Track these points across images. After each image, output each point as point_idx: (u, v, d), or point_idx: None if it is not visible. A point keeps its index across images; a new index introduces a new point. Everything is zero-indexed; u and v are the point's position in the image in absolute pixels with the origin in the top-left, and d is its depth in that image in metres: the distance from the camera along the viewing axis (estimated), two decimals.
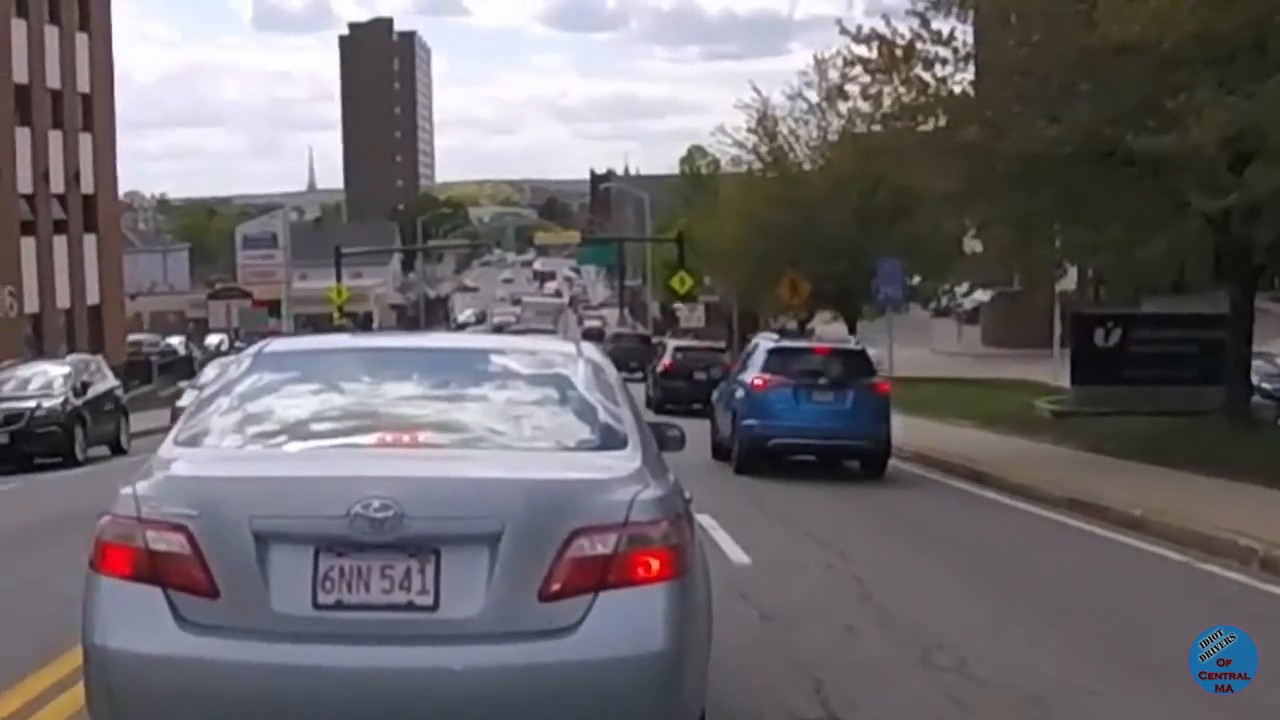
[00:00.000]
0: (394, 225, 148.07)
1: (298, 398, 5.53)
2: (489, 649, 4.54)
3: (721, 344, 43.50)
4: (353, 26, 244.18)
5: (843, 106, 50.96)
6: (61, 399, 23.83)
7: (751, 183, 54.66)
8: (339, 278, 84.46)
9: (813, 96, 53.20)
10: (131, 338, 68.34)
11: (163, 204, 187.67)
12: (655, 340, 57.44)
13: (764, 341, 21.93)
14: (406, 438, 5.16)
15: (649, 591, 4.66)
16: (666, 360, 37.91)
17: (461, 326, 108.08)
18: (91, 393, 24.74)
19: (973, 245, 26.75)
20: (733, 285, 60.77)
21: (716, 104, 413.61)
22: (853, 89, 23.38)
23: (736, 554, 11.64)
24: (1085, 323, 27.23)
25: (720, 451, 20.63)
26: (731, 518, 13.54)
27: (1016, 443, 23.04)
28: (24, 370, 25.61)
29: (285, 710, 4.54)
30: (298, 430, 5.27)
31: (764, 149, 53.71)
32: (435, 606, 4.59)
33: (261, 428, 5.30)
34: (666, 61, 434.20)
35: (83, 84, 52.26)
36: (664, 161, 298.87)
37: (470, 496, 4.81)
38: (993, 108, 20.54)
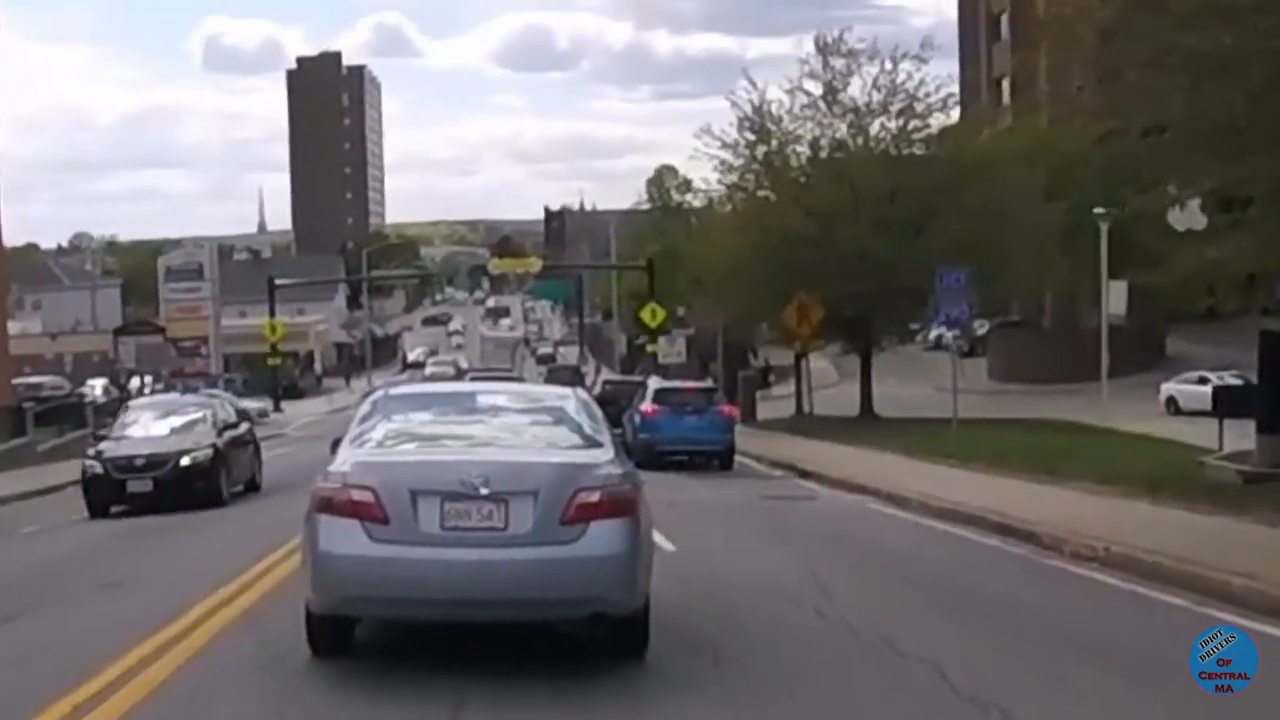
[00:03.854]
0: (340, 260, 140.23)
1: (419, 418, 9.75)
2: (534, 550, 8.38)
3: (639, 377, 47.58)
4: (300, 61, 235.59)
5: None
6: None
7: (748, 194, 46.75)
8: (272, 312, 76.22)
9: (814, 88, 45.45)
10: (31, 380, 60.38)
11: (112, 245, 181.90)
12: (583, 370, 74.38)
13: (652, 383, 35.82)
14: (488, 439, 9.41)
15: (617, 522, 8.50)
16: (595, 391, 42.59)
17: (414, 365, 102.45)
18: None
19: (1187, 221, 18.16)
20: (723, 314, 52.33)
21: (670, 143, 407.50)
22: None
23: None
24: (1277, 345, 19.13)
25: None
26: None
27: (1234, 528, 14.78)
28: None
29: (429, 581, 8.37)
30: (424, 436, 9.45)
31: (759, 151, 45.69)
32: (505, 528, 8.43)
33: (402, 436, 9.39)
34: (620, 101, 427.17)
35: None
36: (620, 199, 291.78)
37: (523, 472, 8.66)
38: None
